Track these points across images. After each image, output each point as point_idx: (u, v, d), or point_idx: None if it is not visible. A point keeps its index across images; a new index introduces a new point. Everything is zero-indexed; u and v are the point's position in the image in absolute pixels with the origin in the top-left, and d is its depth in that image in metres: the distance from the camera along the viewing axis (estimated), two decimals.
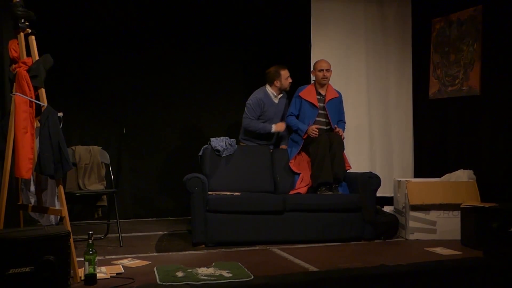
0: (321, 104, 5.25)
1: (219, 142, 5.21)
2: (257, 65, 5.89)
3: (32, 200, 4.19)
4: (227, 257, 4.17)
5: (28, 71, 3.48)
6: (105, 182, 5.04)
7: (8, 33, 3.84)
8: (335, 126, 5.22)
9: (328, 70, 5.21)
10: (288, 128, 5.36)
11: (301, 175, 5.15)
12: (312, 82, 5.38)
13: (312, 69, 5.36)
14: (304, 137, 5.16)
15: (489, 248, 4.13)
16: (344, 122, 5.41)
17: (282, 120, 5.39)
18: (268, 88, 5.33)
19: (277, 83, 5.28)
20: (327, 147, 5.03)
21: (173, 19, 6.09)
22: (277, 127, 5.30)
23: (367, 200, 4.83)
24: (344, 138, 5.22)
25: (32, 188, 4.19)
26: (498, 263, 3.72)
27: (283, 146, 5.45)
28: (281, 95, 5.38)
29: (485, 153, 5.18)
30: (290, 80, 5.32)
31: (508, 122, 4.94)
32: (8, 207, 3.54)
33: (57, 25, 5.52)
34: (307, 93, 5.26)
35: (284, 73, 5.29)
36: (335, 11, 5.80)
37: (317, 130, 5.09)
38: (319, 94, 5.27)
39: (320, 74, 5.21)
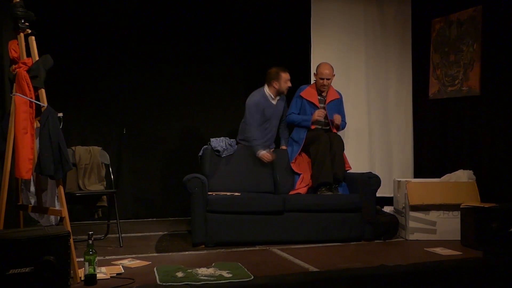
0: (322, 105, 5.25)
1: (219, 143, 5.21)
2: (257, 66, 5.88)
3: (32, 201, 4.19)
4: (227, 257, 4.17)
5: (28, 71, 3.48)
6: (105, 183, 5.04)
7: (8, 34, 3.84)
8: (332, 119, 5.19)
9: (328, 79, 5.19)
10: (290, 126, 5.37)
11: (301, 176, 5.15)
12: (313, 81, 5.38)
13: (314, 71, 5.34)
14: (312, 127, 5.16)
15: (489, 248, 4.13)
16: (345, 123, 5.41)
17: (280, 120, 5.39)
18: (266, 89, 5.24)
19: (276, 85, 5.18)
20: (328, 147, 5.03)
21: (173, 20, 6.08)
22: (263, 155, 5.10)
23: (367, 200, 4.83)
24: (340, 126, 5.23)
25: (32, 188, 4.19)
26: (498, 263, 3.71)
27: (283, 147, 5.45)
28: (278, 97, 5.29)
29: (485, 153, 5.18)
30: (289, 84, 5.21)
31: (508, 122, 4.94)
32: (8, 207, 3.54)
33: (57, 25, 5.51)
34: (308, 93, 5.27)
35: (285, 75, 5.19)
36: (335, 11, 5.79)
37: (324, 112, 5.13)
38: (320, 94, 5.27)
39: (320, 82, 5.20)
